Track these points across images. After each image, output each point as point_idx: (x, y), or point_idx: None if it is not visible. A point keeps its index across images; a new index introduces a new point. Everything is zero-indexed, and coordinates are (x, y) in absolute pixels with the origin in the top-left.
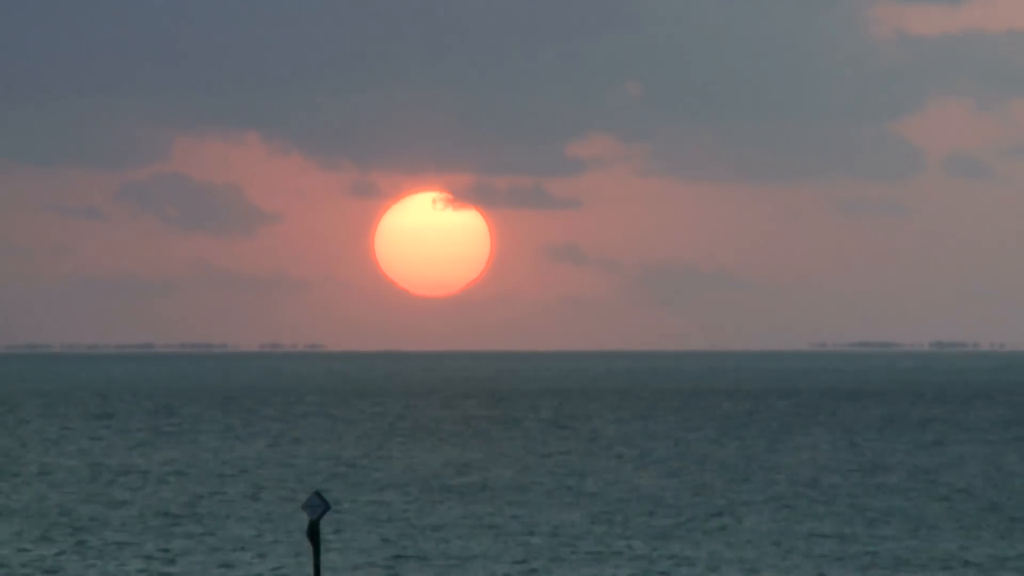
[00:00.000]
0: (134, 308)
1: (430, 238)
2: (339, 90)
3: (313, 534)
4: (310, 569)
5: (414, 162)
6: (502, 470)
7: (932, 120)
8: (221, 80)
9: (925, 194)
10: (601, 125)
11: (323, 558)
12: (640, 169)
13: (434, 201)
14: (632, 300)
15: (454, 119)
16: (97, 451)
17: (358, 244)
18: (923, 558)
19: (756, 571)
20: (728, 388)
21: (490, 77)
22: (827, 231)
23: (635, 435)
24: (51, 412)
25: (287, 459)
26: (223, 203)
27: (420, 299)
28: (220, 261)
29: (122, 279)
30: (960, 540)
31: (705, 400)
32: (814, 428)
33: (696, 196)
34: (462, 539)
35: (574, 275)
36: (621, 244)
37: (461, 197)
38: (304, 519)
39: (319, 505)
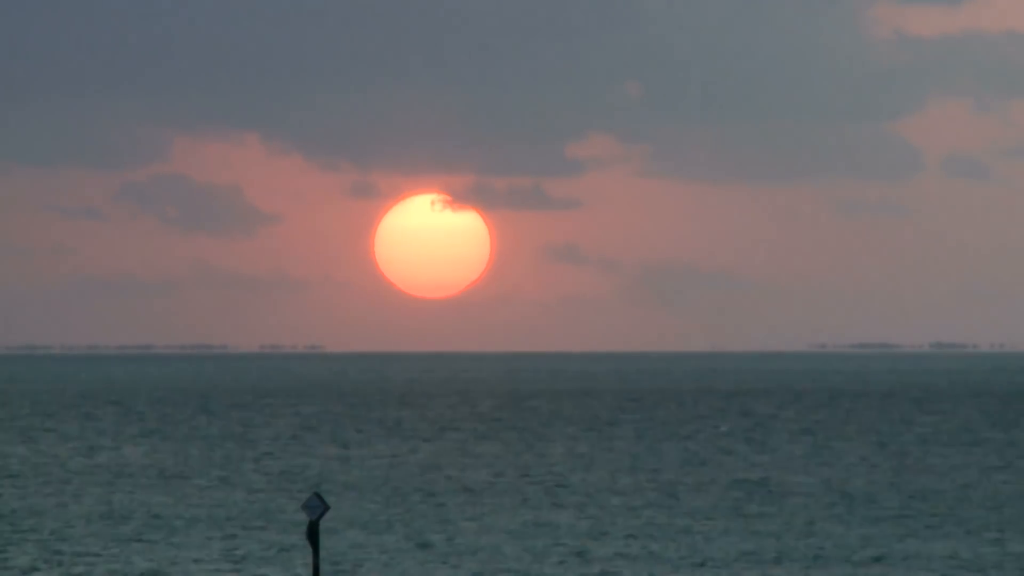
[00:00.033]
0: (134, 308)
1: (430, 239)
2: (339, 90)
3: (312, 534)
4: (310, 570)
5: (414, 163)
6: (502, 470)
7: (931, 120)
8: (221, 80)
9: (924, 194)
10: (601, 125)
11: (322, 558)
12: (640, 169)
13: (433, 203)
14: (632, 300)
15: (454, 119)
16: (94, 451)
17: (358, 245)
18: (922, 558)
19: (753, 570)
20: (728, 390)
21: (490, 77)
22: (827, 231)
23: (635, 435)
24: (40, 411)
25: (286, 459)
26: (223, 204)
27: (420, 300)
28: (220, 262)
29: (122, 279)
30: (957, 541)
31: (707, 400)
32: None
33: (696, 196)
34: (462, 539)
35: (574, 275)
36: (621, 244)
37: (460, 198)
38: (303, 519)
39: (318, 506)
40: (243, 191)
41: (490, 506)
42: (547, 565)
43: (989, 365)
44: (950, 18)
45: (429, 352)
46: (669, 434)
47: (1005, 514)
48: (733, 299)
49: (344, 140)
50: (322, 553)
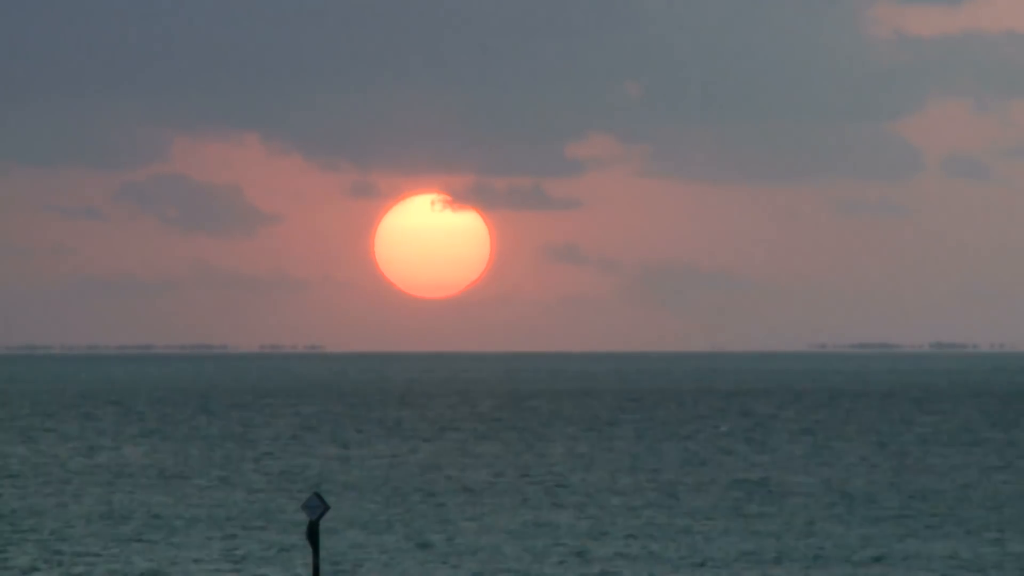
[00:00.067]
0: (134, 309)
1: (430, 239)
2: (339, 90)
3: (312, 534)
4: (310, 570)
5: (413, 163)
6: (502, 470)
7: (931, 121)
8: (221, 80)
9: (924, 194)
10: (601, 125)
11: (322, 558)
12: (640, 169)
13: (433, 203)
14: (632, 300)
15: (454, 119)
16: (94, 451)
17: (358, 245)
18: (922, 558)
19: (749, 570)
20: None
21: (490, 77)
22: (827, 231)
23: (635, 435)
24: (40, 411)
25: (286, 459)
26: (223, 204)
27: (420, 300)
28: (220, 262)
29: (122, 279)
30: (957, 541)
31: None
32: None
33: (696, 196)
34: (462, 539)
35: (574, 275)
36: (621, 244)
37: (460, 198)
38: (303, 519)
39: (318, 506)
40: (243, 191)
41: (490, 506)
42: (547, 565)
43: (989, 365)
44: (950, 18)
45: (429, 352)
46: (669, 434)
47: (1005, 514)
48: (733, 299)
49: (344, 140)
50: (322, 553)
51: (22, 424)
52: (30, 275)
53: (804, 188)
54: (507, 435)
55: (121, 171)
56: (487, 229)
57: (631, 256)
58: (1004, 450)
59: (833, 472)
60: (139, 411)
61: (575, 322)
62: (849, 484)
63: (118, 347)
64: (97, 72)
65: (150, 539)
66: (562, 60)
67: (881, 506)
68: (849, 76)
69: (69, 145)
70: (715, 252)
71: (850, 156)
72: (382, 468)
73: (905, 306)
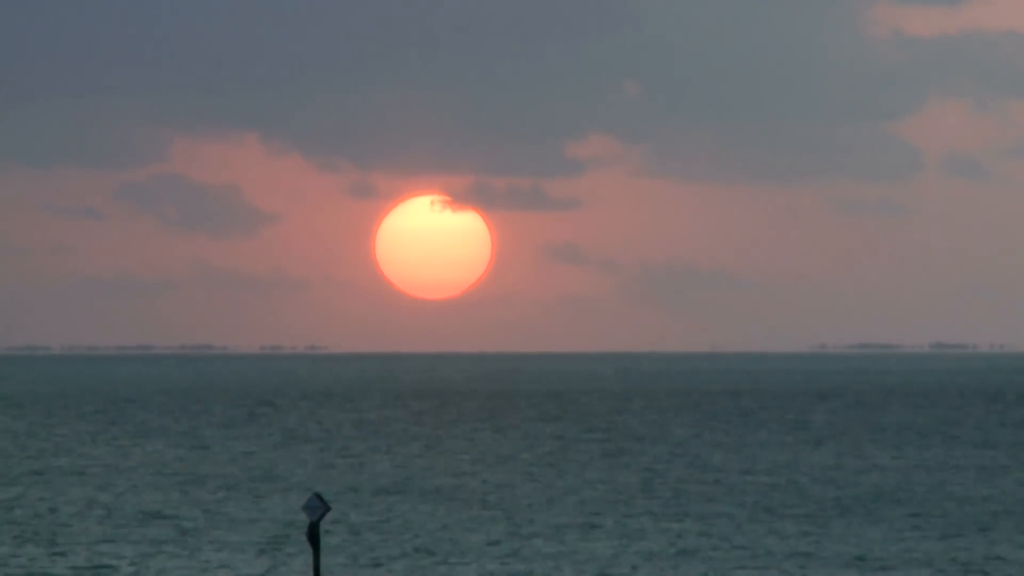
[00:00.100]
0: (134, 309)
1: (430, 240)
2: (339, 90)
3: (313, 535)
4: (310, 570)
5: (413, 163)
6: (501, 470)
7: (931, 121)
8: (221, 80)
9: (924, 194)
10: (601, 125)
11: (323, 559)
12: (640, 169)
13: (433, 203)
14: (632, 300)
15: (454, 119)
16: (93, 451)
17: (358, 245)
18: (922, 558)
19: (747, 569)
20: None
21: (490, 77)
22: (827, 231)
23: (635, 435)
24: (43, 411)
25: (287, 460)
26: (222, 204)
27: (421, 301)
28: (220, 262)
29: (122, 279)
30: (957, 541)
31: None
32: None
33: (696, 196)
34: (462, 539)
35: (574, 275)
36: (621, 244)
37: (460, 198)
38: (304, 520)
39: (319, 507)
40: (243, 191)
41: (489, 507)
42: (547, 565)
43: (989, 365)
44: (950, 18)
45: (429, 352)
46: (669, 434)
47: (1006, 514)
48: (733, 299)
49: (344, 140)
50: (322, 554)
51: (22, 424)
52: (30, 275)
53: (804, 188)
54: (506, 435)
55: (121, 171)
56: (487, 229)
57: (631, 256)
58: (1004, 450)
59: (834, 472)
60: (139, 411)
61: (575, 322)
62: (850, 484)
63: (118, 347)
64: (97, 72)
65: (150, 539)
66: (562, 60)
67: (881, 506)
68: (849, 76)
69: (69, 145)
70: (715, 252)
71: (850, 156)
72: (382, 468)
73: (905, 306)
